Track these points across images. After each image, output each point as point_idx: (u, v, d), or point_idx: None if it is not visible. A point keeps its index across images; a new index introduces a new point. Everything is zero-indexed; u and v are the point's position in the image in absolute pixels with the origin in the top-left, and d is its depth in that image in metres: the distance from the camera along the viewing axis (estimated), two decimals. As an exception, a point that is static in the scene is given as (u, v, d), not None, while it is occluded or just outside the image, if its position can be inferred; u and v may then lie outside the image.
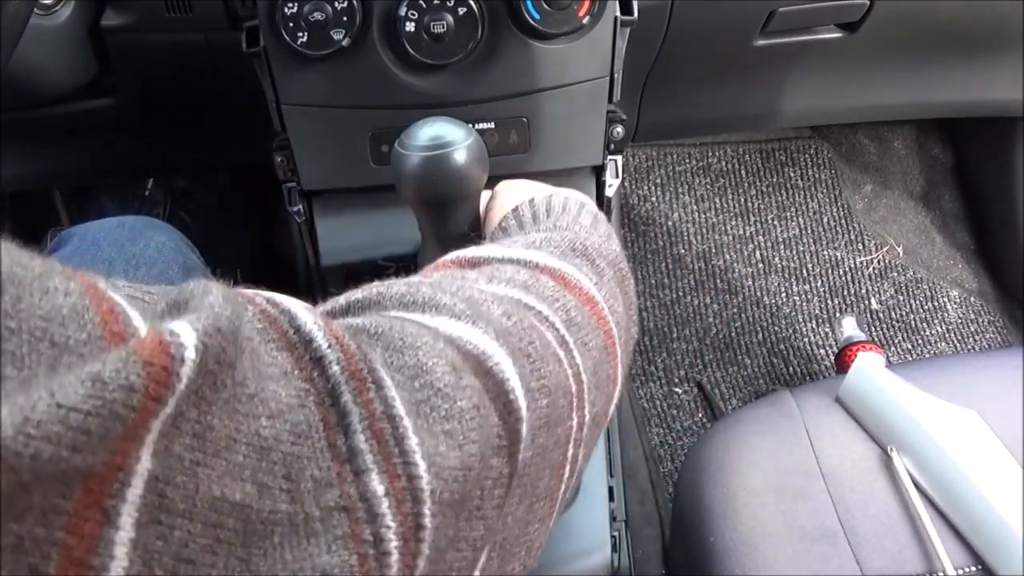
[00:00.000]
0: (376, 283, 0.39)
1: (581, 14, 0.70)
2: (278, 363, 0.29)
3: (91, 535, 0.22)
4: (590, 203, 0.52)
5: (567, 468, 0.39)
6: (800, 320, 1.48)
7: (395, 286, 0.38)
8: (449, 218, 0.57)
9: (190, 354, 0.24)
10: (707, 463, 0.80)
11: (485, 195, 0.60)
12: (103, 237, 0.78)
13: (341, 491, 0.28)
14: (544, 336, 0.38)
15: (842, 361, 1.29)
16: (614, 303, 0.45)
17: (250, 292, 0.31)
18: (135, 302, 0.26)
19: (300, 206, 0.80)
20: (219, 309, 0.26)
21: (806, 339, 1.46)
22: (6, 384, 0.20)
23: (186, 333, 0.24)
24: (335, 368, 0.29)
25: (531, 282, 0.42)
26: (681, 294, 1.50)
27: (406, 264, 0.83)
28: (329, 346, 0.30)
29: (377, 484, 0.28)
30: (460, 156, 0.54)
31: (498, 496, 0.33)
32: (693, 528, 0.78)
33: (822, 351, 1.45)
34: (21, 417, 0.19)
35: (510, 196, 0.56)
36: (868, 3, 0.96)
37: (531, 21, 0.70)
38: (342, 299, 0.39)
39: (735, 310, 1.49)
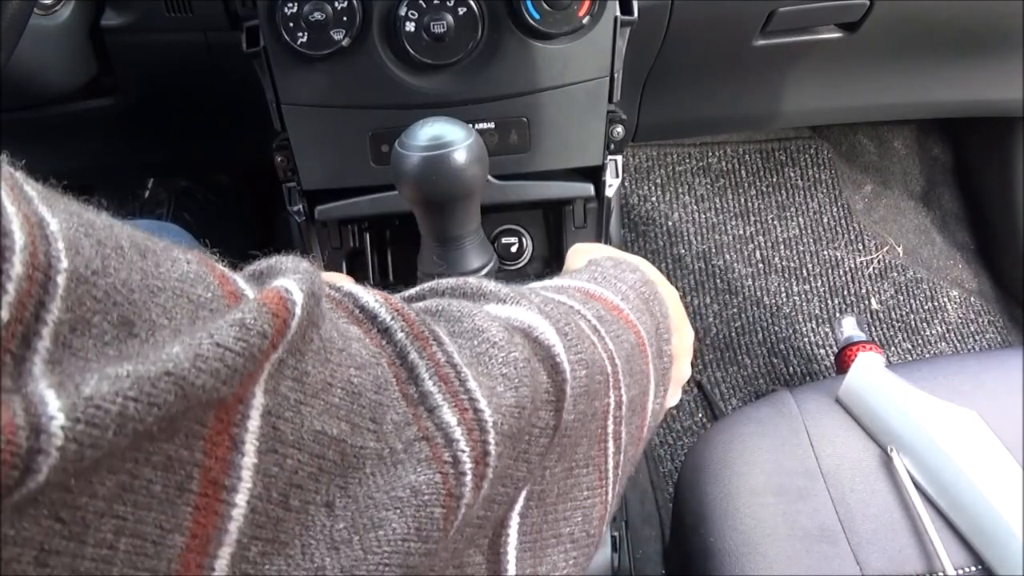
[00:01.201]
0: (425, 282, 0.44)
1: (581, 14, 0.70)
2: (353, 331, 0.33)
3: (223, 459, 0.25)
4: (644, 269, 0.54)
5: (610, 443, 0.43)
6: (800, 320, 1.48)
7: (444, 282, 0.43)
8: (449, 218, 0.57)
9: (298, 309, 0.28)
10: (707, 463, 0.80)
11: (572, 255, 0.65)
12: None
13: (419, 426, 0.32)
14: (577, 323, 0.42)
15: (842, 361, 1.29)
16: (641, 316, 0.49)
17: (325, 276, 0.35)
18: (237, 272, 0.30)
19: (300, 206, 0.80)
20: (311, 276, 0.30)
21: (806, 339, 1.46)
22: (161, 332, 0.24)
23: (295, 291, 0.28)
24: (400, 335, 0.34)
25: (560, 290, 0.47)
26: (681, 294, 1.49)
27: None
28: (392, 318, 0.34)
29: (449, 416, 0.32)
30: (460, 156, 0.54)
31: (542, 445, 0.37)
32: (693, 528, 0.78)
33: (822, 351, 1.45)
34: (192, 353, 0.23)
35: (584, 257, 0.59)
36: (868, 3, 0.96)
37: (531, 21, 0.70)
38: (396, 296, 0.43)
39: (735, 310, 1.49)
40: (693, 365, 1.43)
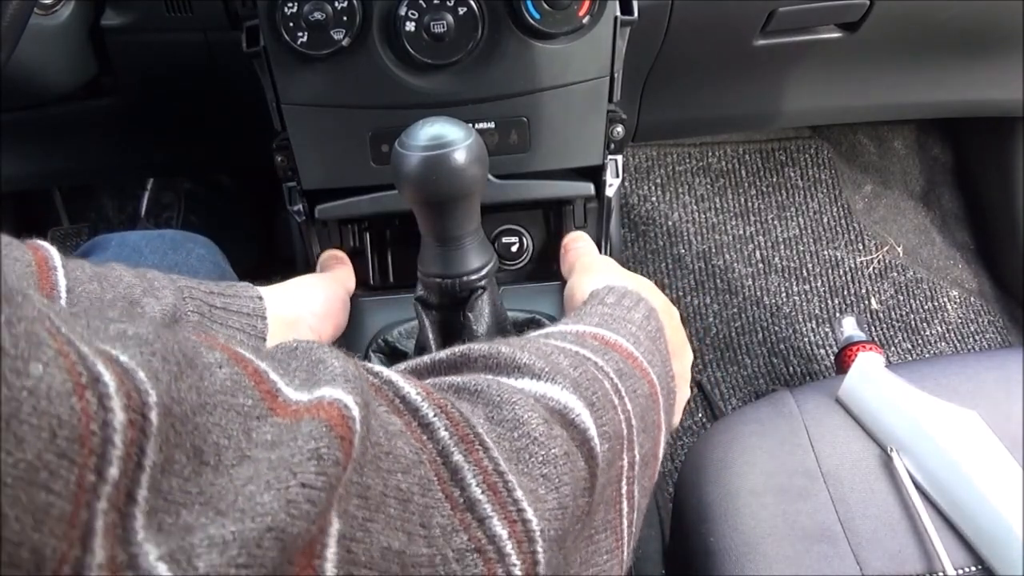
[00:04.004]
0: (455, 346, 0.43)
1: (581, 14, 0.70)
2: (395, 424, 0.32)
3: None
4: (646, 297, 0.54)
5: (624, 503, 0.42)
6: (800, 320, 1.48)
7: (475, 348, 0.42)
8: (449, 218, 0.57)
9: (358, 426, 0.27)
10: (707, 463, 0.80)
11: (579, 268, 0.65)
12: (144, 245, 0.79)
13: (469, 535, 0.31)
14: (603, 386, 0.42)
15: (842, 361, 1.29)
16: (652, 358, 0.49)
17: (353, 363, 0.34)
18: (257, 353, 0.29)
19: (300, 206, 0.80)
20: (360, 382, 0.29)
21: (806, 339, 1.46)
22: (225, 455, 0.23)
23: (352, 406, 0.27)
24: (443, 433, 0.33)
25: (580, 340, 0.47)
26: (681, 294, 1.50)
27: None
28: (435, 415, 0.33)
29: (500, 528, 0.32)
30: (460, 156, 0.54)
31: (577, 531, 0.37)
32: (693, 528, 0.78)
33: (822, 351, 1.45)
34: (284, 500, 0.23)
35: (588, 282, 0.59)
36: (868, 3, 0.96)
37: (531, 21, 0.70)
38: (426, 358, 0.43)
39: (735, 310, 1.49)
40: (692, 365, 1.43)
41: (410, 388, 0.34)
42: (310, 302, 0.67)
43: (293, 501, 0.23)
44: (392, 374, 0.35)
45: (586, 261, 0.67)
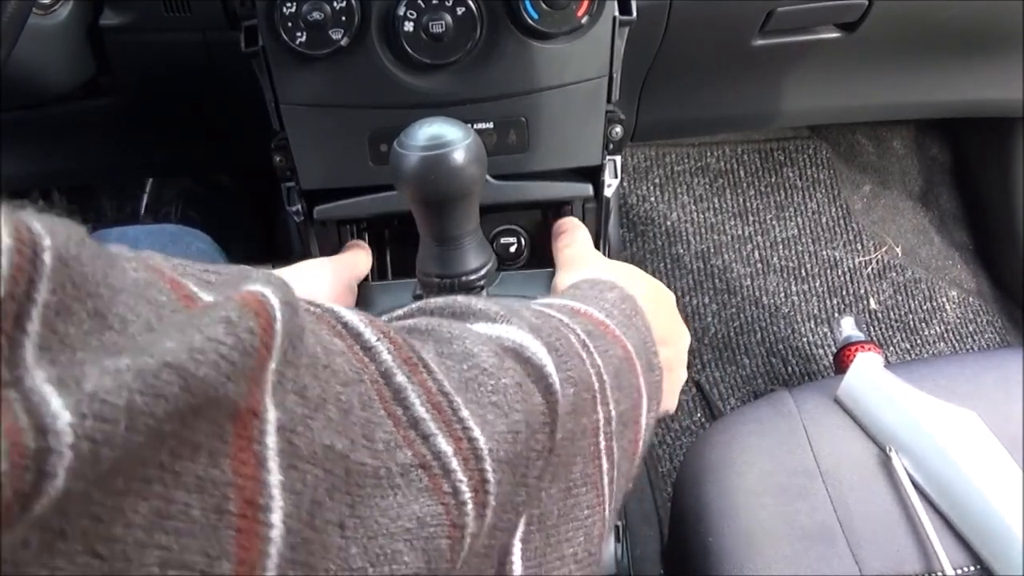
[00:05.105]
0: (425, 300, 0.43)
1: (580, 14, 0.70)
2: (336, 344, 0.31)
3: (254, 477, 0.24)
4: (622, 285, 0.54)
5: (603, 460, 0.42)
6: (799, 320, 1.48)
7: (432, 301, 0.42)
8: (448, 218, 0.57)
9: (278, 313, 0.26)
10: (706, 463, 0.80)
11: (563, 261, 0.66)
12: (144, 238, 0.79)
13: (414, 451, 0.30)
14: (568, 337, 0.41)
15: (841, 361, 1.29)
16: (627, 331, 0.48)
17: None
18: (177, 269, 0.28)
19: (299, 206, 0.80)
20: (284, 287, 0.28)
21: (805, 339, 1.46)
22: (132, 326, 0.23)
23: (271, 297, 0.26)
24: (386, 356, 0.32)
25: (547, 306, 0.46)
26: (680, 294, 1.50)
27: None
28: (378, 339, 0.33)
29: (444, 445, 0.31)
30: (459, 156, 0.54)
31: (539, 467, 0.36)
32: (692, 528, 0.78)
33: (821, 351, 1.45)
34: (187, 346, 0.22)
35: (570, 278, 0.59)
36: (867, 3, 0.96)
37: (530, 21, 0.70)
38: (384, 317, 0.42)
39: (733, 310, 1.49)
40: (691, 365, 1.43)
41: (352, 315, 0.34)
42: (314, 285, 0.67)
43: (196, 348, 0.22)
44: (334, 305, 0.34)
45: (569, 254, 0.67)
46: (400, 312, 0.43)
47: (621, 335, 0.47)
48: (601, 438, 0.42)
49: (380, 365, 0.32)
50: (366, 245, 0.80)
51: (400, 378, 0.32)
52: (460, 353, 0.36)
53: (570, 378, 0.39)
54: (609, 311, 0.49)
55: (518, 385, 0.35)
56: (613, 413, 0.43)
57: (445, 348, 0.36)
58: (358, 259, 0.76)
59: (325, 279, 0.68)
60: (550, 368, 0.37)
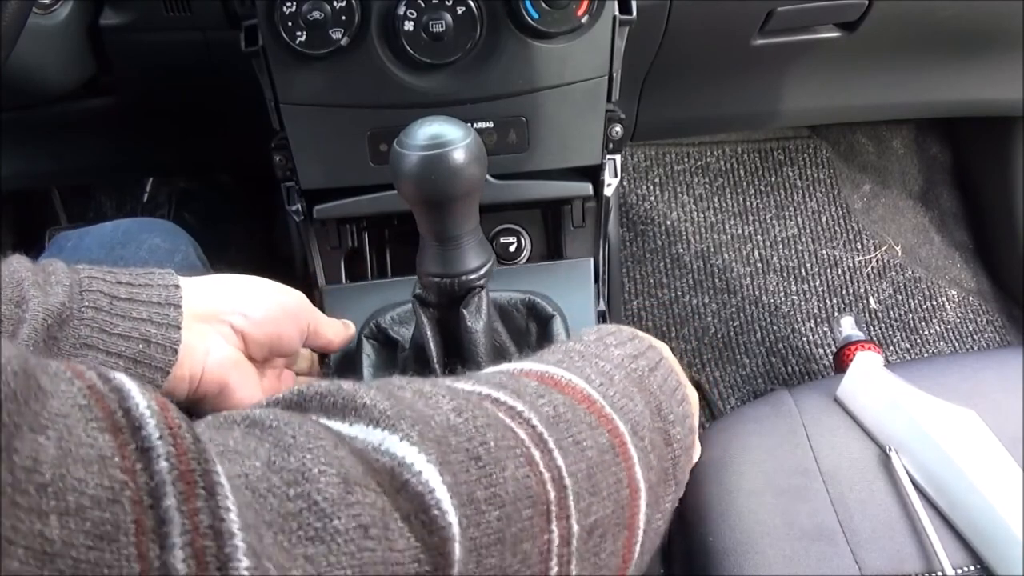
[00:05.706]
0: (298, 386, 0.36)
1: (580, 13, 0.70)
2: (97, 445, 0.24)
3: None
4: (641, 335, 0.48)
5: None
6: (798, 319, 1.48)
7: (320, 385, 0.34)
8: (448, 217, 0.57)
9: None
10: (705, 462, 0.80)
11: None
12: (92, 240, 0.78)
13: None
14: (507, 434, 0.34)
15: (841, 360, 1.29)
16: (627, 403, 0.41)
17: (81, 367, 0.27)
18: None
19: (299, 205, 0.80)
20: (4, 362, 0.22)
21: (805, 338, 1.46)
22: None
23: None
24: (163, 464, 0.25)
25: (508, 382, 0.38)
26: (679, 293, 1.50)
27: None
28: (160, 436, 0.25)
29: None
30: (458, 155, 0.54)
31: None
32: (692, 527, 0.78)
33: (820, 350, 1.45)
34: None
35: None
36: (866, 3, 0.96)
37: (530, 20, 0.70)
38: (266, 399, 0.36)
39: (733, 309, 1.49)
40: (691, 365, 1.43)
41: (141, 400, 0.26)
42: (238, 301, 0.61)
43: None
44: (129, 382, 0.27)
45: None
46: (280, 395, 0.36)
47: (611, 413, 0.40)
48: (553, 563, 0.34)
49: (152, 477, 0.25)
50: (354, 329, 0.71)
51: (169, 502, 0.24)
52: (294, 471, 0.28)
53: (495, 496, 0.32)
54: (608, 376, 0.42)
55: (360, 529, 0.28)
56: (576, 527, 0.35)
57: (279, 458, 0.29)
58: (334, 326, 0.68)
59: (254, 299, 0.61)
60: (439, 494, 0.30)
